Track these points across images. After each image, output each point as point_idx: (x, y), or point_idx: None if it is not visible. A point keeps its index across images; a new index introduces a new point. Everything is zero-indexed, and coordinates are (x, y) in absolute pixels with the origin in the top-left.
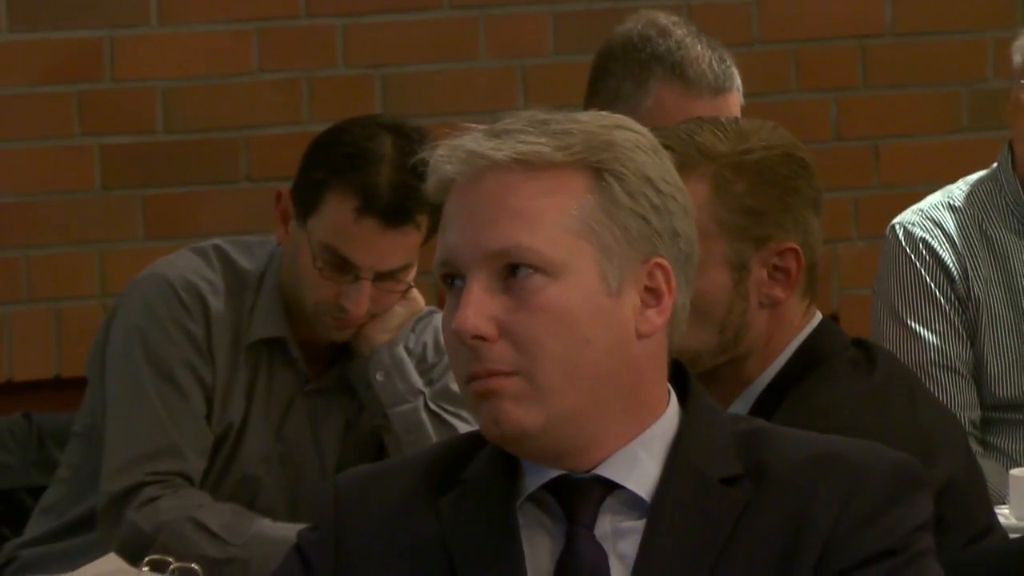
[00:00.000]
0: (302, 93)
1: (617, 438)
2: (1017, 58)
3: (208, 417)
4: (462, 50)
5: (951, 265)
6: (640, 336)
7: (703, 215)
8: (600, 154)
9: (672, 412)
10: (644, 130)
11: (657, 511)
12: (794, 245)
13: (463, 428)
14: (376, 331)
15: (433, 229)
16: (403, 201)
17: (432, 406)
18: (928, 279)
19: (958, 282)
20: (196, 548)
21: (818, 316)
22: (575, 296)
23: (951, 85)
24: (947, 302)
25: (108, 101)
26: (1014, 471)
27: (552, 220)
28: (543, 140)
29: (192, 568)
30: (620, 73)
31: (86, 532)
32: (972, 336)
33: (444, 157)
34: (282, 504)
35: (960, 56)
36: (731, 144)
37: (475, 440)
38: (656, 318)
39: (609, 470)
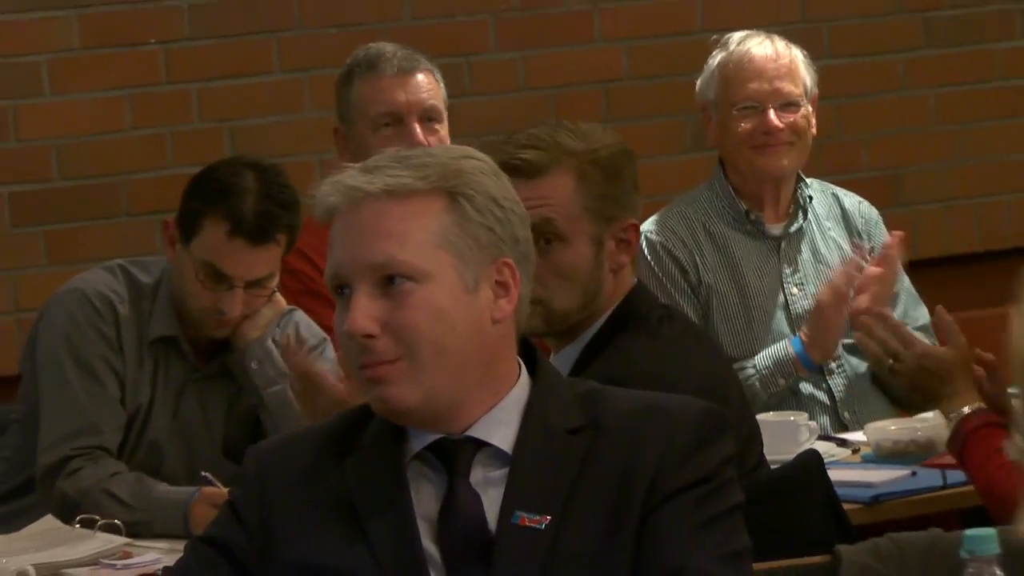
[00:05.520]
0: (166, 144)
1: (480, 405)
2: (710, 95)
3: (122, 400)
4: (291, 104)
5: (683, 259)
6: (494, 322)
7: (572, 201)
8: (452, 181)
9: (523, 381)
10: (485, 157)
11: (517, 460)
12: (634, 221)
13: None
14: (249, 329)
15: (290, 245)
16: (265, 224)
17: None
18: (661, 275)
19: (690, 272)
20: (110, 514)
21: (635, 278)
22: (440, 294)
23: (677, 117)
24: (679, 292)
25: (14, 157)
26: (760, 416)
27: (417, 237)
28: (406, 173)
29: (115, 524)
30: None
31: (26, 497)
32: (705, 314)
33: (327, 191)
34: (181, 469)
35: (684, 94)
36: (583, 143)
37: (368, 411)
38: (506, 306)
39: (477, 431)
